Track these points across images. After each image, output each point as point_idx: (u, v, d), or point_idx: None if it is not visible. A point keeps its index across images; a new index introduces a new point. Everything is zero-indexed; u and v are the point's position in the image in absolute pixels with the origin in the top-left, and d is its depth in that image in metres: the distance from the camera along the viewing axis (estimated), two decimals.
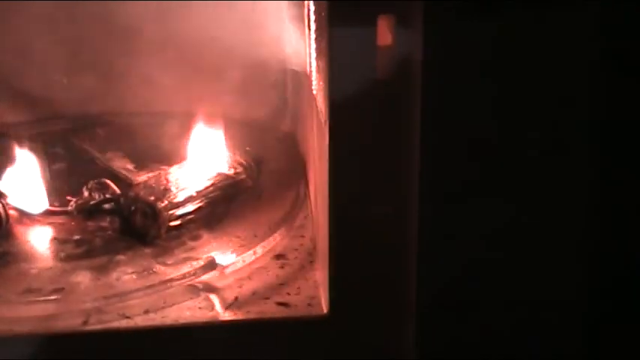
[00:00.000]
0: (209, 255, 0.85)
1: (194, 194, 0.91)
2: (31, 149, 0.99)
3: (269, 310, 0.79)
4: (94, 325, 0.77)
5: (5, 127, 1.10)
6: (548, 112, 0.69)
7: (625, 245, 0.75)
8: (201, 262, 0.84)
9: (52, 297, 0.80)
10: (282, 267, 0.86)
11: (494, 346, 0.77)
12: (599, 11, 0.67)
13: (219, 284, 0.83)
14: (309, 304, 0.80)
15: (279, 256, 0.87)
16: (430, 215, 0.72)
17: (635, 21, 0.68)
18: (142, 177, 0.93)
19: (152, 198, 0.88)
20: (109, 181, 0.93)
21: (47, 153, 1.00)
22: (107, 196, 0.91)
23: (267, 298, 0.81)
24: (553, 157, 0.71)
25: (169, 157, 0.98)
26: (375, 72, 0.69)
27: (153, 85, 1.08)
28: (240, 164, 0.97)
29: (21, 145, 0.99)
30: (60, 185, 0.95)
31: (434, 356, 0.76)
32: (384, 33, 0.67)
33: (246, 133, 1.05)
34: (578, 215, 0.73)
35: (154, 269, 0.83)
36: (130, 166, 0.98)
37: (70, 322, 0.77)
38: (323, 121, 0.73)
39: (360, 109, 0.69)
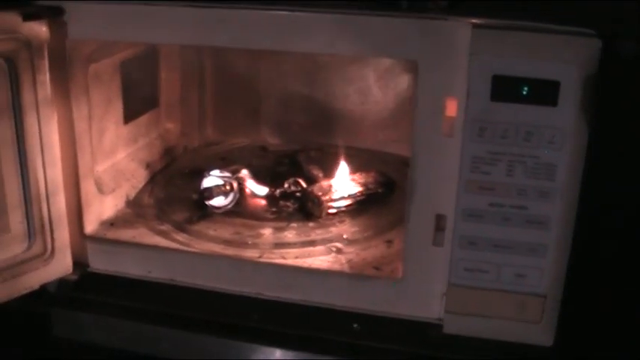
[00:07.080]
0: (341, 233, 1.37)
1: (346, 196, 1.44)
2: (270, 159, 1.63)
3: (367, 271, 1.28)
4: (264, 259, 1.31)
5: (267, 144, 1.76)
6: None
7: None
8: (334, 235, 1.37)
9: (247, 241, 1.36)
10: (388, 247, 1.35)
11: None
12: None
13: (345, 251, 1.33)
14: (391, 271, 1.27)
15: (388, 241, 1.36)
16: None
17: None
18: (323, 182, 1.48)
19: (320, 193, 1.42)
20: (300, 180, 1.50)
21: (277, 161, 1.63)
22: (297, 188, 1.49)
23: (368, 263, 1.30)
24: None
25: (343, 173, 1.52)
26: None
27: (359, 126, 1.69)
28: (381, 182, 1.49)
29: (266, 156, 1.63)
30: (278, 180, 1.53)
31: None
32: None
33: (391, 162, 1.60)
34: None
35: (309, 234, 1.37)
36: (321, 175, 1.53)
37: (251, 254, 1.32)
38: None
39: None
